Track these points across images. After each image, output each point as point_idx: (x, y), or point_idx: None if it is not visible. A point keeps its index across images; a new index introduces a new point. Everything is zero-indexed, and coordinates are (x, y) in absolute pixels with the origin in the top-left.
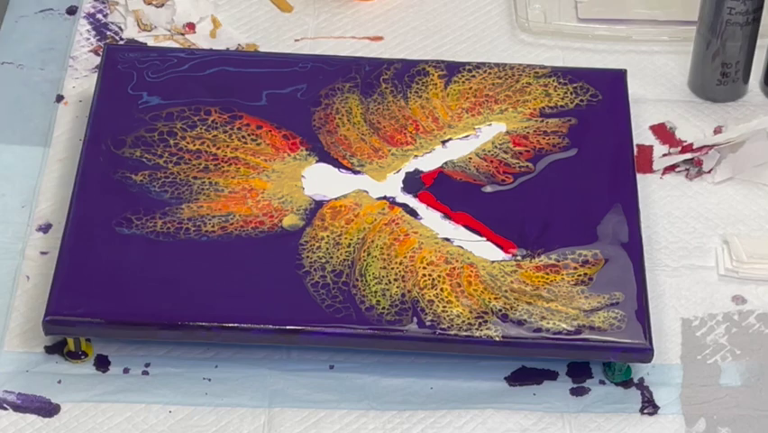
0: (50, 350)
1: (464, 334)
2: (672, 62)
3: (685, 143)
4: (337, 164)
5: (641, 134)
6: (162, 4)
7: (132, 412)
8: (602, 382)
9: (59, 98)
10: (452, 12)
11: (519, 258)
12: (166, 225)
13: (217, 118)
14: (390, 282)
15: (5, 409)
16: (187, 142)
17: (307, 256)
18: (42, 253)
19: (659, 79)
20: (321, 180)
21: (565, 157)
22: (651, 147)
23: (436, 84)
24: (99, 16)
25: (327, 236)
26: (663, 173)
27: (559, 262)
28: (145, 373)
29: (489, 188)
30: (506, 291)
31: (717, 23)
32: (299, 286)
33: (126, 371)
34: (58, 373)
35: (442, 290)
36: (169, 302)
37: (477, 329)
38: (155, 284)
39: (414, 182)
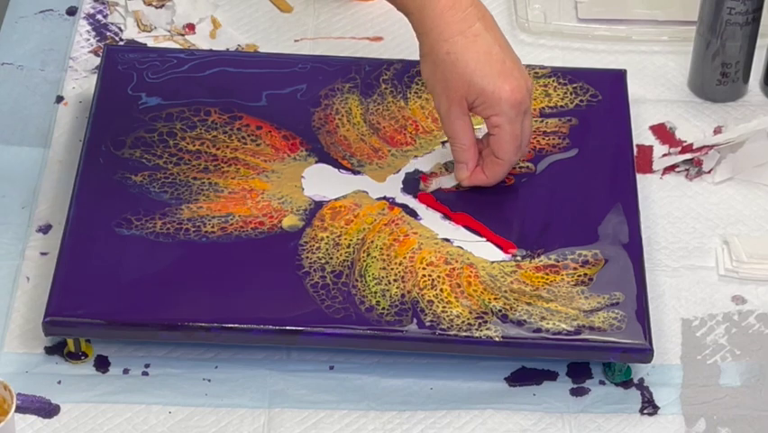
0: (49, 351)
1: (464, 334)
2: (671, 62)
3: (685, 143)
4: (337, 165)
5: (641, 134)
6: (162, 5)
7: (131, 413)
8: (602, 383)
9: (59, 99)
10: None
11: (519, 258)
12: (166, 226)
13: (217, 119)
14: (390, 283)
15: None
16: (187, 143)
17: (307, 257)
18: (42, 253)
19: (659, 79)
20: (321, 181)
21: (565, 157)
22: (651, 147)
23: None
24: (99, 17)
25: (327, 237)
26: (663, 173)
27: (559, 262)
28: (145, 373)
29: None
30: (505, 292)
31: (717, 23)
32: (299, 286)
33: (126, 371)
34: (58, 373)
35: (441, 290)
36: (169, 303)
37: (477, 330)
38: (155, 285)
39: (413, 183)
